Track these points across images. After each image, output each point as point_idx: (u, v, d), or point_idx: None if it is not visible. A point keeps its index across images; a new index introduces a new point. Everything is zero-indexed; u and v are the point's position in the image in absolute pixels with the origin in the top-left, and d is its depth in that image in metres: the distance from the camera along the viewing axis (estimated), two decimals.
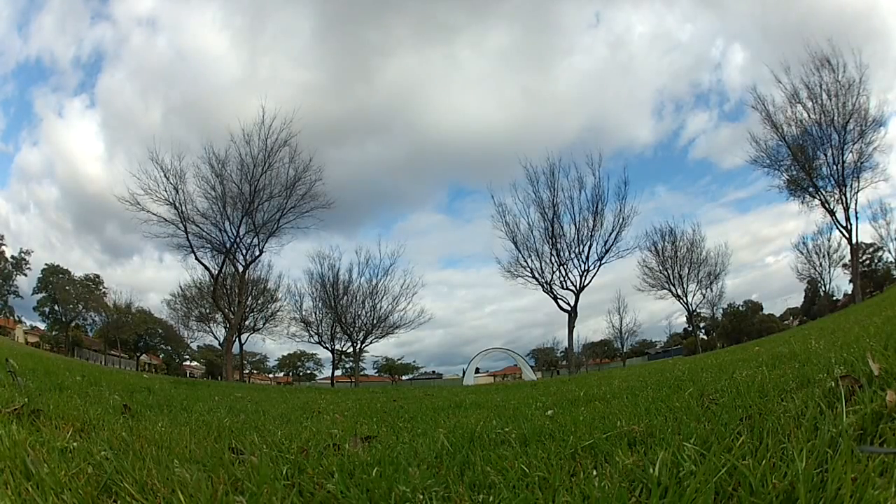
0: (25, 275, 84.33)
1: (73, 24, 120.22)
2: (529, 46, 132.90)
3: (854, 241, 52.65)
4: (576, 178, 56.30)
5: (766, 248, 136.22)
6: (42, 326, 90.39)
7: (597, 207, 55.79)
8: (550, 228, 56.38)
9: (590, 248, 55.82)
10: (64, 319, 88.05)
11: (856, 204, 50.46)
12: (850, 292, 62.00)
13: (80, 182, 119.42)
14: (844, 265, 69.26)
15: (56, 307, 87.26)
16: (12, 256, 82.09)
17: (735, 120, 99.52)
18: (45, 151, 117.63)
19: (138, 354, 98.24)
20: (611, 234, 55.48)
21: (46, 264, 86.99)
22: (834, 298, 73.52)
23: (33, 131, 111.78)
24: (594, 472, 1.86)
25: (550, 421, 3.42)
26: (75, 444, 2.86)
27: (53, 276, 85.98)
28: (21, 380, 5.79)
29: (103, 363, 73.07)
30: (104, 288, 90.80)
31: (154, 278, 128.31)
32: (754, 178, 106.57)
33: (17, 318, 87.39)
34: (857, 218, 50.97)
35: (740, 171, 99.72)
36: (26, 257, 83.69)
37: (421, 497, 1.68)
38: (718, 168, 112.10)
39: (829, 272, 72.60)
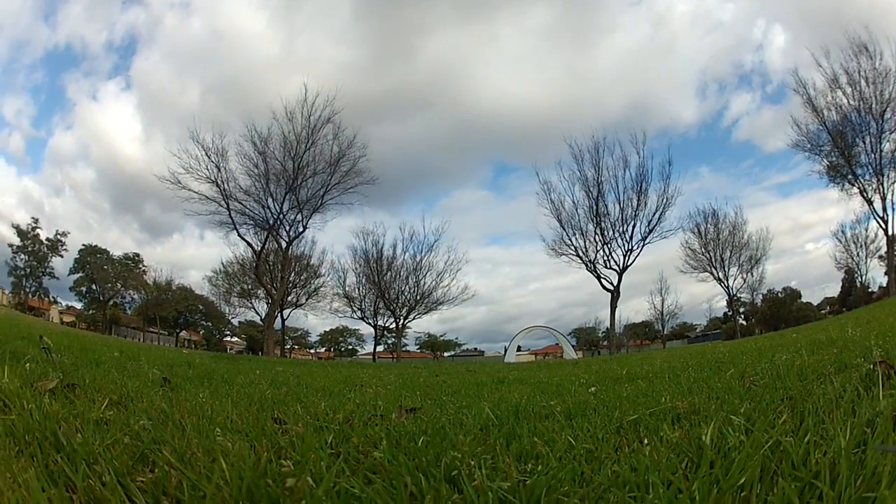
0: (62, 256, 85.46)
1: (103, 10, 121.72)
2: (570, 24, 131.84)
3: (890, 232, 51.98)
4: (620, 157, 56.05)
5: (806, 235, 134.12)
6: (78, 306, 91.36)
7: (641, 187, 55.46)
8: (595, 207, 56.15)
9: (634, 227, 55.54)
10: (101, 298, 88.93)
11: (892, 194, 49.87)
12: (885, 284, 61.26)
13: (118, 163, 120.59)
14: (881, 256, 68.36)
15: (94, 286, 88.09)
16: (47, 239, 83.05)
17: (777, 102, 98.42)
18: (80, 135, 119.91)
19: (178, 331, 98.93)
20: (654, 214, 55.22)
21: (84, 245, 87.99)
22: (869, 290, 72.63)
23: (66, 116, 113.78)
24: (645, 442, 1.89)
25: (594, 397, 3.44)
26: (111, 413, 2.90)
27: (91, 257, 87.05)
28: (56, 356, 5.85)
29: (141, 340, 73.68)
30: (143, 266, 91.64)
31: (195, 255, 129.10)
32: (796, 163, 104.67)
33: (51, 299, 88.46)
34: (893, 209, 50.34)
35: (782, 154, 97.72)
36: (62, 239, 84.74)
37: (471, 463, 1.70)
38: (761, 151, 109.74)
39: (866, 263, 71.70)
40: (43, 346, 6.30)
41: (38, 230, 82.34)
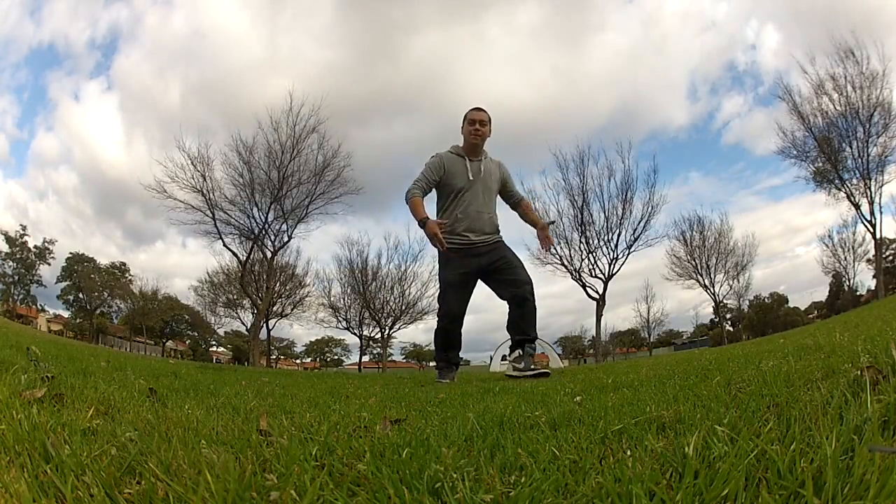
0: (49, 264, 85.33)
1: (88, 6, 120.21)
2: (560, 23, 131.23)
3: (878, 235, 52.09)
4: (605, 166, 55.59)
5: (797, 238, 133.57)
6: (66, 315, 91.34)
7: (626, 195, 55.25)
8: (580, 216, 56.06)
9: (619, 235, 55.45)
10: (88, 307, 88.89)
11: (880, 198, 49.99)
12: (873, 288, 61.39)
13: (99, 166, 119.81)
14: (868, 260, 68.48)
15: (80, 295, 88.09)
16: (35, 247, 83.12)
17: (769, 105, 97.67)
18: (62, 136, 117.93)
19: (164, 341, 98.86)
20: (640, 222, 55.09)
21: (71, 253, 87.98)
22: (857, 294, 72.79)
23: (48, 116, 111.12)
24: (628, 454, 1.88)
25: (579, 406, 3.43)
26: (97, 422, 2.88)
27: (78, 265, 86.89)
28: (44, 365, 5.84)
29: (128, 349, 73.51)
30: (130, 275, 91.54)
31: (178, 263, 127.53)
32: (787, 166, 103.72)
33: (39, 307, 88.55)
34: (881, 212, 50.47)
35: (774, 157, 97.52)
36: (50, 247, 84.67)
37: (454, 476, 1.70)
38: (752, 154, 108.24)
39: (854, 267, 71.77)
40: (31, 357, 6.28)
41: (26, 237, 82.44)
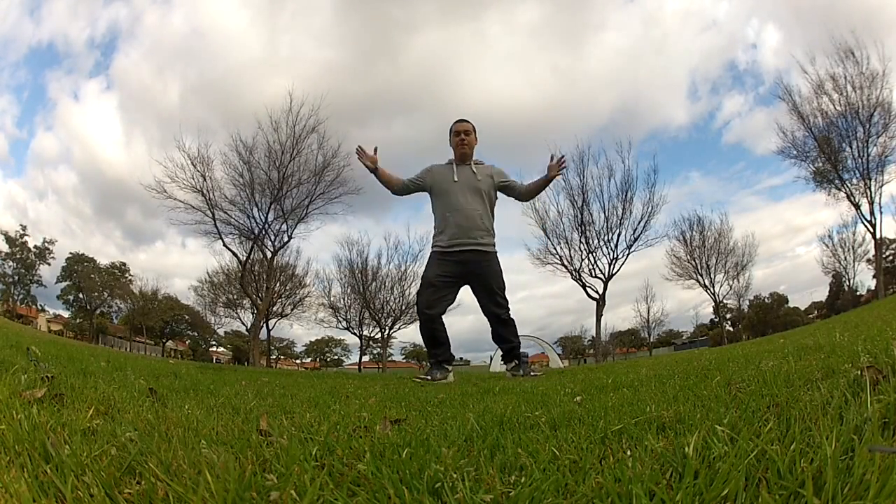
0: (49, 264, 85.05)
1: (87, 5, 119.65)
2: (560, 22, 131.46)
3: (878, 235, 51.88)
4: (605, 166, 54.84)
5: (798, 238, 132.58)
6: (66, 315, 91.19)
7: (626, 195, 54.56)
8: (580, 216, 55.30)
9: (619, 235, 54.78)
10: (88, 307, 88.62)
11: (880, 198, 49.79)
12: (873, 288, 61.22)
13: (99, 166, 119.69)
14: (868, 260, 68.24)
15: (80, 295, 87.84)
16: (35, 247, 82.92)
17: (769, 104, 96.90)
18: (61, 136, 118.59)
19: (164, 341, 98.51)
20: (640, 223, 54.45)
21: (71, 253, 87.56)
22: (857, 294, 72.56)
23: (48, 116, 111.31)
24: (628, 454, 1.88)
25: (579, 406, 3.43)
26: (97, 422, 2.86)
27: (78, 265, 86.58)
28: (44, 365, 5.82)
29: (128, 349, 73.33)
30: (130, 275, 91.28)
31: (178, 263, 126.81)
32: (787, 166, 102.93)
33: (39, 307, 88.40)
34: (881, 212, 50.22)
35: (774, 157, 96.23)
36: (49, 247, 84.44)
37: (454, 476, 1.70)
38: (752, 154, 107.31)
39: (854, 267, 71.50)
40: (31, 357, 6.25)
41: (25, 237, 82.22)
